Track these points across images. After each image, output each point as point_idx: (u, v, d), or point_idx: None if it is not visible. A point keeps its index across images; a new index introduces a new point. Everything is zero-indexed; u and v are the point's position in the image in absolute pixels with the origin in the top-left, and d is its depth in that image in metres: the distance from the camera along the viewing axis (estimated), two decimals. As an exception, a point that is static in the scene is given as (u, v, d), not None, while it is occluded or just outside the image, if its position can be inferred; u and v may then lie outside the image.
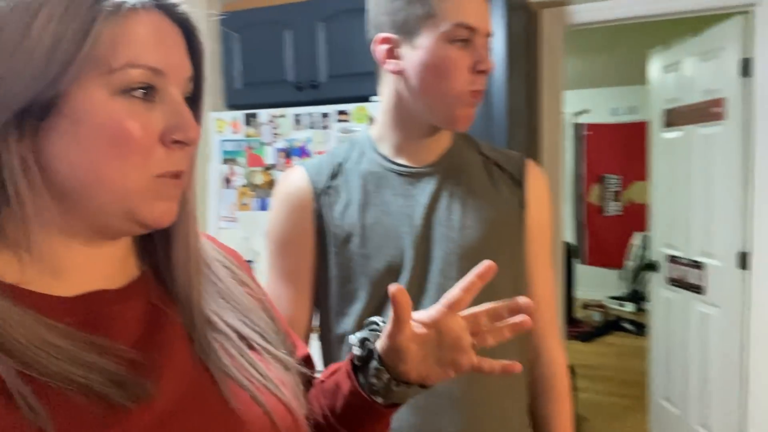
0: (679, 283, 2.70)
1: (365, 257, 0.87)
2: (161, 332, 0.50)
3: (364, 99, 1.89)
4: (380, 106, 0.93)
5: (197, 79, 0.51)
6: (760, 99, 2.15)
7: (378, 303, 0.87)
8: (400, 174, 0.90)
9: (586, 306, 5.26)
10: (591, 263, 5.56)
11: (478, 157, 0.95)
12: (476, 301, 0.86)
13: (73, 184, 0.45)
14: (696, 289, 2.56)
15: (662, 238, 2.86)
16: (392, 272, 0.87)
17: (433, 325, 0.59)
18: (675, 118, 2.70)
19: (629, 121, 5.20)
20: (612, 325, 4.93)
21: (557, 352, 0.99)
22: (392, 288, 0.56)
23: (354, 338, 0.63)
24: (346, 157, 0.93)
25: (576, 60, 4.25)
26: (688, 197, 2.60)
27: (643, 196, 4.98)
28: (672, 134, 2.74)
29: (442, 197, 0.89)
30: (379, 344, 0.61)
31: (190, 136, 0.47)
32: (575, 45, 3.38)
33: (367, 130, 0.96)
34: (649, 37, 3.19)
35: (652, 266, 2.96)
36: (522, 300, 0.60)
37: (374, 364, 0.61)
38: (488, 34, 0.86)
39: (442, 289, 0.85)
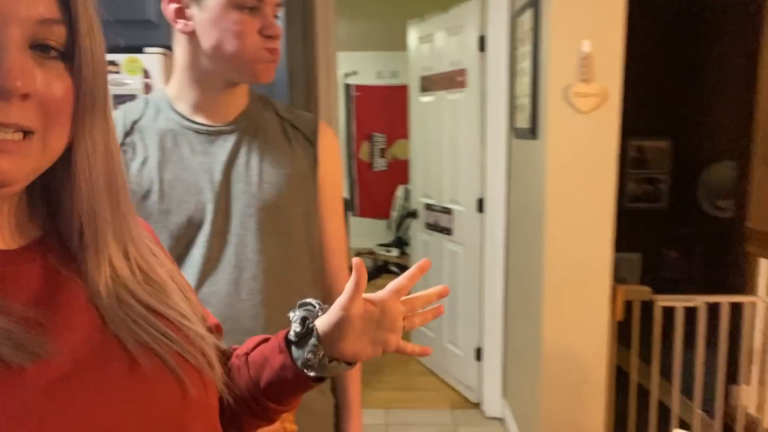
0: (434, 227, 3.15)
1: (165, 212, 0.89)
2: (60, 294, 0.49)
3: (137, 50, 1.77)
4: (176, 63, 0.94)
5: (70, 25, 0.45)
6: (491, 71, 2.59)
7: (178, 255, 0.90)
8: (198, 132, 0.92)
9: (359, 253, 5.74)
10: (362, 215, 6.05)
11: (275, 117, 1.00)
12: (275, 247, 0.94)
13: None
14: (447, 231, 3.03)
15: (420, 190, 3.29)
16: (193, 226, 0.90)
17: (379, 305, 0.66)
18: (429, 84, 3.08)
19: (393, 84, 5.69)
20: (381, 269, 5.50)
21: None
22: (355, 260, 0.62)
23: (294, 316, 0.66)
24: (141, 115, 0.93)
25: (347, 23, 4.48)
26: (440, 154, 3.02)
27: (405, 152, 5.56)
28: (426, 98, 3.13)
29: (240, 154, 0.93)
30: (320, 321, 0.65)
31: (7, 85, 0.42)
32: (347, 8, 3.56)
33: (163, 88, 0.97)
34: (409, 8, 3.53)
35: (412, 214, 3.39)
36: (444, 288, 0.71)
37: (312, 341, 0.64)
38: (278, 3, 0.90)
39: (243, 241, 0.92)
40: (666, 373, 2.48)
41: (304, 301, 0.69)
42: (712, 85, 3.34)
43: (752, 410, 2.51)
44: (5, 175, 0.44)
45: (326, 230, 1.06)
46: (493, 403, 2.87)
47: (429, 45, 3.05)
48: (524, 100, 2.23)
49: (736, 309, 2.43)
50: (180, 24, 0.88)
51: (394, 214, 5.71)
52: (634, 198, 3.74)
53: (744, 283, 2.72)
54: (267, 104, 1.02)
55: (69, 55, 0.46)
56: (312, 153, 1.02)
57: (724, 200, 3.20)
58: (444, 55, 2.91)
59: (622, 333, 2.34)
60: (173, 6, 0.87)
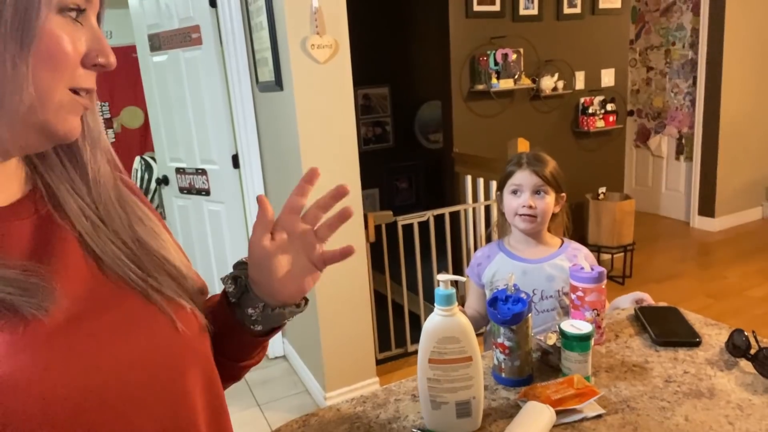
0: (188, 190, 3.10)
1: None
2: (55, 245, 0.49)
3: None
4: None
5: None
6: (226, 26, 2.63)
7: None
8: None
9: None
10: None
11: None
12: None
13: None
14: (204, 192, 3.02)
15: (168, 155, 3.17)
16: None
17: (283, 229, 0.64)
18: (160, 42, 2.94)
19: (112, 46, 5.15)
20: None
21: None
22: (258, 197, 0.64)
23: (226, 278, 0.65)
24: None
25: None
26: (185, 115, 2.95)
27: (136, 120, 5.15)
28: (159, 58, 2.99)
29: None
30: (249, 274, 0.65)
31: (111, 61, 0.52)
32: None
33: None
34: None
35: (163, 181, 3.26)
36: (339, 186, 0.67)
37: (249, 294, 0.65)
38: None
39: None
40: (412, 288, 2.99)
41: (238, 261, 0.69)
42: (416, 37, 3.92)
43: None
44: (78, 131, 0.52)
45: None
46: (274, 344, 3.06)
47: (154, 1, 2.90)
48: (265, 54, 2.34)
49: (456, 217, 3.04)
50: None
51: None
52: (367, 141, 4.23)
53: (457, 197, 3.38)
54: None
55: None
56: None
57: (435, 133, 3.87)
58: (172, 12, 2.80)
59: (374, 258, 2.73)
60: None
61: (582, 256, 1.44)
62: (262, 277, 0.64)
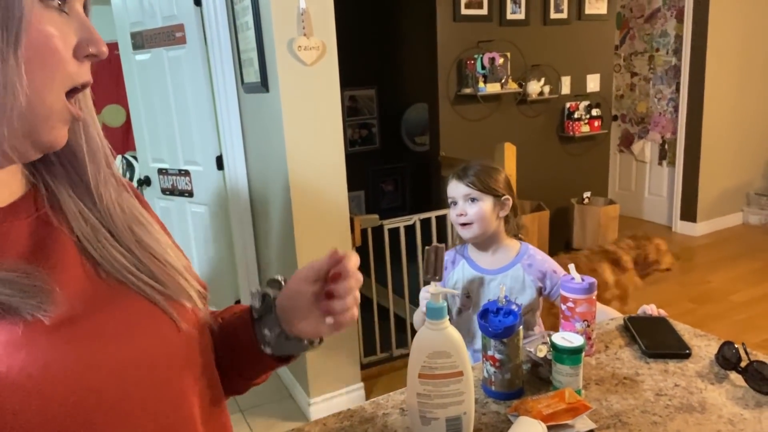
0: (171, 191, 3.05)
1: None
2: (52, 246, 0.48)
3: None
4: None
5: None
6: (210, 26, 2.58)
7: None
8: None
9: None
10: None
11: None
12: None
13: None
14: (187, 193, 2.97)
15: (151, 155, 3.11)
16: None
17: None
18: (143, 40, 2.89)
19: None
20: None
21: None
22: (336, 252, 0.65)
23: (256, 292, 0.65)
24: None
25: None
26: (168, 115, 2.90)
27: (118, 118, 5.06)
28: (142, 56, 2.93)
29: None
30: (280, 297, 0.65)
31: (103, 50, 0.49)
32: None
33: None
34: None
35: (145, 182, 3.20)
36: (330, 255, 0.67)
37: (271, 316, 0.66)
38: None
39: None
40: (398, 291, 2.97)
41: (272, 278, 0.70)
42: (404, 39, 3.91)
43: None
44: (65, 140, 0.50)
45: None
46: (260, 348, 3.01)
47: (136, -2, 2.84)
48: (251, 55, 2.30)
49: (442, 221, 3.03)
50: None
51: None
52: (353, 143, 4.20)
53: (443, 201, 3.37)
54: None
55: None
56: None
57: (421, 136, 3.85)
58: (156, 10, 2.75)
59: (360, 258, 2.70)
60: None
61: (537, 266, 1.42)
62: (290, 306, 0.66)
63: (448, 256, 1.52)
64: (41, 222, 0.51)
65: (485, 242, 1.45)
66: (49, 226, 0.51)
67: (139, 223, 0.59)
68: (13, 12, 0.42)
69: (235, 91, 2.65)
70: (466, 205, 1.41)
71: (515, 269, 1.43)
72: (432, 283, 1.30)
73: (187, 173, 2.92)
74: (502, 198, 1.43)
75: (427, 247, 1.32)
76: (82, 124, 0.54)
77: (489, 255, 1.46)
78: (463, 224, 1.42)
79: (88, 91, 0.53)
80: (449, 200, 1.47)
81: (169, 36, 2.72)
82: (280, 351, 0.68)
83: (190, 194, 2.95)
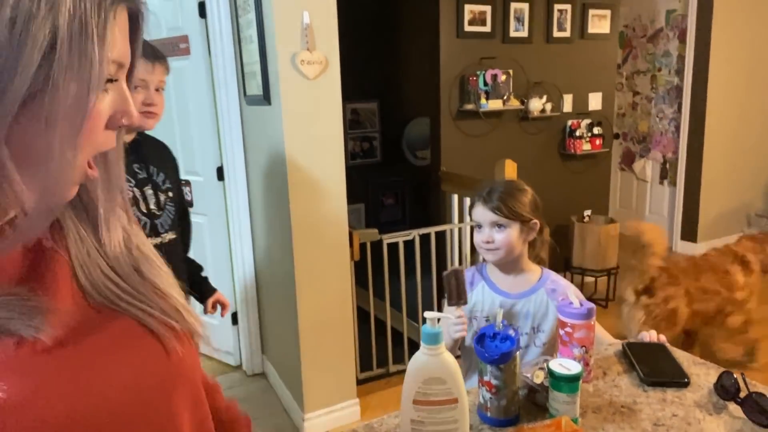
0: (171, 201, 3.04)
1: None
2: (46, 269, 0.48)
3: None
4: None
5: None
6: (215, 38, 2.59)
7: None
8: None
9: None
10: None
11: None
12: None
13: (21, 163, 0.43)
14: (187, 203, 2.96)
15: (151, 163, 3.10)
16: None
17: None
18: (147, 50, 2.90)
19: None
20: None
21: None
22: None
23: None
24: None
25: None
26: (171, 125, 2.90)
27: (120, 126, 5.08)
28: (146, 66, 2.94)
29: None
30: None
31: (135, 123, 0.49)
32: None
33: None
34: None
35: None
36: None
37: None
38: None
39: None
40: (395, 304, 2.96)
41: None
42: (407, 54, 3.93)
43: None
44: (72, 196, 0.50)
45: None
46: (253, 361, 2.99)
47: (141, 8, 2.85)
48: (254, 68, 2.31)
49: (441, 236, 3.02)
50: None
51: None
52: (354, 155, 4.20)
53: (443, 216, 3.36)
54: None
55: None
56: None
57: (423, 150, 3.86)
58: (161, 21, 2.77)
59: (358, 273, 2.70)
60: None
61: (560, 291, 1.41)
62: None
63: (466, 275, 1.49)
64: (36, 242, 0.51)
65: (507, 264, 1.42)
66: (43, 247, 0.51)
67: (145, 258, 0.59)
68: (85, 107, 0.44)
69: (238, 102, 2.65)
70: (493, 232, 1.38)
71: (538, 294, 1.40)
72: (457, 306, 1.29)
73: (187, 183, 2.92)
74: (530, 223, 1.41)
75: (445, 273, 1.31)
76: (107, 155, 0.54)
77: (510, 278, 1.43)
78: (488, 250, 1.39)
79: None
80: (474, 224, 1.44)
81: (174, 47, 2.73)
82: None
83: (190, 204, 2.94)
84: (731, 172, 4.76)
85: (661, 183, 5.06)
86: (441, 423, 0.82)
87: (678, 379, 1.07)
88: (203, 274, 1.93)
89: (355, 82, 3.48)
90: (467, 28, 3.35)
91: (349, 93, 2.70)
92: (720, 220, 4.81)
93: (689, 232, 4.79)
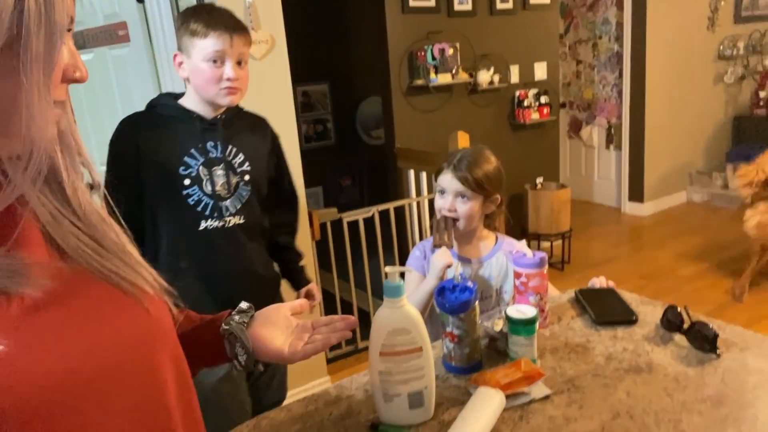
0: (122, 195, 2.96)
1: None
2: (14, 226, 0.49)
3: None
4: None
5: None
6: (151, 21, 2.52)
7: None
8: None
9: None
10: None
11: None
12: None
13: None
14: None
15: (98, 158, 3.01)
16: None
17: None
18: (84, 40, 2.80)
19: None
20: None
21: None
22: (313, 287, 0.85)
23: (237, 334, 0.79)
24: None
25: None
26: (115, 115, 2.81)
27: (61, 123, 4.88)
28: (85, 56, 2.84)
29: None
30: (255, 323, 0.81)
31: (85, 75, 0.53)
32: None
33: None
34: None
35: (92, 186, 3.09)
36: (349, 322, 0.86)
37: (245, 348, 0.79)
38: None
39: None
40: (360, 285, 2.99)
41: (241, 308, 0.83)
42: (354, 33, 3.91)
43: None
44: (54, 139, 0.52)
45: None
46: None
47: (74, -4, 2.74)
48: (198, 51, 2.26)
49: (400, 212, 3.06)
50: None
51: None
52: (308, 138, 4.18)
53: (401, 193, 3.40)
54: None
55: None
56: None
57: (376, 130, 3.87)
58: (96, 8, 2.67)
59: (321, 256, 2.71)
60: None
61: (516, 249, 1.46)
62: (264, 323, 0.81)
63: (423, 244, 1.52)
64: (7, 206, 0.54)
65: (465, 234, 1.46)
66: (11, 211, 0.52)
67: (101, 219, 0.60)
68: (54, 54, 0.47)
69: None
70: (456, 201, 1.40)
71: (498, 257, 1.44)
72: (443, 248, 1.34)
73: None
74: (493, 197, 1.44)
75: (435, 218, 1.41)
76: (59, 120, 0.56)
77: (469, 246, 1.47)
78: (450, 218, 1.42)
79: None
80: (438, 187, 1.45)
81: (112, 35, 2.64)
82: (242, 364, 0.80)
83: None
84: (672, 134, 4.97)
85: (608, 148, 5.24)
86: (407, 371, 0.85)
87: (627, 318, 1.14)
88: (301, 263, 1.87)
89: (305, 64, 3.45)
90: (412, 3, 3.36)
91: (298, 76, 2.68)
92: (664, 180, 5.03)
93: (636, 193, 4.99)
